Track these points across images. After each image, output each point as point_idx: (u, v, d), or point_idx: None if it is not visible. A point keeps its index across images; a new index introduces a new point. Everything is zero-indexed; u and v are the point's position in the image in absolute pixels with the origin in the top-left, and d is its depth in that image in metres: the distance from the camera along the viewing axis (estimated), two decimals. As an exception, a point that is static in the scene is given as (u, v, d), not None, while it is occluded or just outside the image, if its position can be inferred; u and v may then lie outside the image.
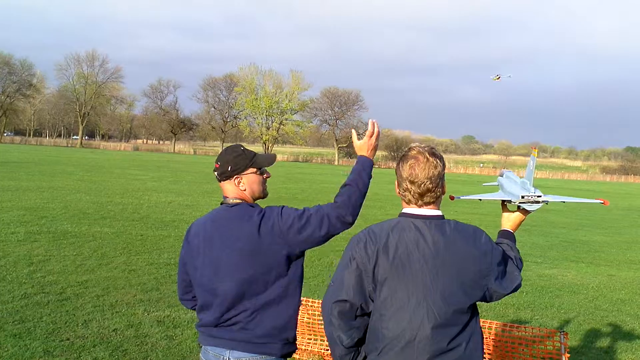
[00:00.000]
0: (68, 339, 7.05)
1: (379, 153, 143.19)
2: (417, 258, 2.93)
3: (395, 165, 3.20)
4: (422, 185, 3.02)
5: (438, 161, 3.06)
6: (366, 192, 3.57)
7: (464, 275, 2.95)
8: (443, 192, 3.13)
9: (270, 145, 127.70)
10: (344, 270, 3.04)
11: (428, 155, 3.05)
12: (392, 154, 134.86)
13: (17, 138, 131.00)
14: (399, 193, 3.15)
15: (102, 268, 10.81)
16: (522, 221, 3.75)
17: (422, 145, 3.14)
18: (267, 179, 3.73)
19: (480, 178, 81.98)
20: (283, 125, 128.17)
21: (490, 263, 3.03)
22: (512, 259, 3.29)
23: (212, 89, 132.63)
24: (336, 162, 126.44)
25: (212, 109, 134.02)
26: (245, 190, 3.60)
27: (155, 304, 8.78)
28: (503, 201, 3.89)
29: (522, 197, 3.74)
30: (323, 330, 6.87)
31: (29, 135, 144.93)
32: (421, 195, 3.04)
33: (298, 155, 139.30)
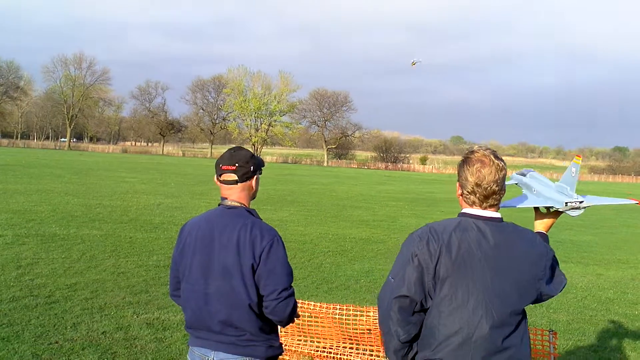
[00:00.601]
0: (57, 342, 7.01)
1: (367, 154, 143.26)
2: (478, 258, 3.00)
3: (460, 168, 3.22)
4: (489, 187, 3.10)
5: (503, 164, 3.15)
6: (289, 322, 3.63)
7: (521, 277, 3.05)
8: (503, 194, 3.20)
9: (259, 146, 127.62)
10: (405, 266, 3.07)
11: (493, 158, 3.13)
12: (381, 154, 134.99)
13: (5, 141, 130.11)
14: (461, 195, 3.22)
15: (91, 271, 10.76)
16: (554, 221, 3.82)
17: (484, 148, 3.21)
18: None
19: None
20: (272, 126, 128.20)
21: (544, 266, 3.14)
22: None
23: (200, 90, 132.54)
24: (325, 164, 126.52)
25: (201, 110, 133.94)
26: (256, 189, 3.71)
27: (144, 306, 8.75)
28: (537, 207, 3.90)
29: (566, 203, 3.77)
30: (312, 331, 6.88)
31: (17, 137, 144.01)
32: (486, 198, 3.12)
33: (287, 156, 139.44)
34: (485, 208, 3.13)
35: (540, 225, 3.79)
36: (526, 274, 3.06)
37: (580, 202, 3.79)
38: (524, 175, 4.39)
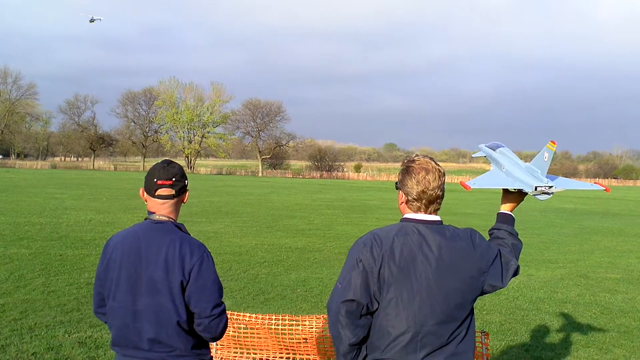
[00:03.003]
0: (-16, 366, 6.79)
1: (302, 163, 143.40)
2: (420, 260, 3.15)
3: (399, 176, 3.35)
4: (434, 193, 3.26)
5: (443, 170, 3.33)
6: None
7: (464, 273, 3.20)
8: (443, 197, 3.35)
9: (192, 158, 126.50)
10: (351, 271, 3.18)
11: (435, 165, 3.31)
12: (316, 163, 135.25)
13: None
14: (406, 202, 3.33)
15: (20, 290, 10.47)
16: (521, 201, 3.89)
17: (423, 156, 3.38)
18: None
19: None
20: (205, 138, 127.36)
21: (487, 260, 3.28)
22: (508, 247, 3.55)
23: (131, 103, 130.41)
24: (260, 174, 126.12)
25: (132, 123, 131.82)
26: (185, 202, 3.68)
27: (76, 325, 8.55)
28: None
29: (536, 187, 3.78)
30: (248, 343, 6.85)
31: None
32: (431, 203, 3.28)
33: (222, 168, 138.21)
34: (430, 212, 3.28)
35: (505, 206, 3.86)
36: (469, 269, 3.21)
37: (550, 187, 3.80)
38: (493, 149, 4.37)
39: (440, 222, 3.28)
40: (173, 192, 3.55)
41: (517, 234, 3.68)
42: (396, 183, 3.42)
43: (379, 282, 3.14)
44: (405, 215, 3.32)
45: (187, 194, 3.67)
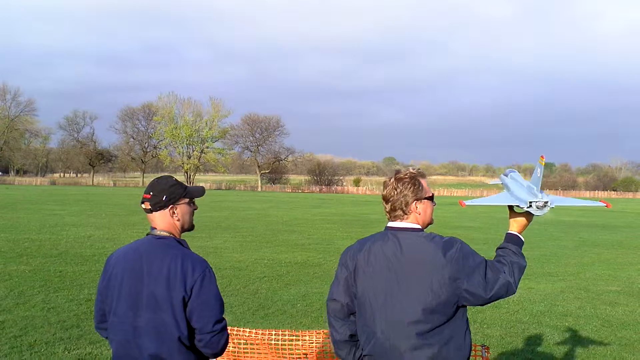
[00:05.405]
0: (-16, 384, 6.77)
1: (301, 178, 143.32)
2: (385, 263, 3.38)
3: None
4: (389, 204, 3.50)
5: (398, 184, 3.48)
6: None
7: (431, 278, 3.30)
8: (415, 211, 3.47)
9: (192, 174, 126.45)
10: (337, 274, 3.60)
11: (394, 181, 3.51)
12: (315, 178, 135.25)
13: None
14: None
15: (20, 307, 10.45)
16: (529, 222, 3.85)
17: (397, 171, 3.59)
18: (195, 211, 3.73)
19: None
20: (204, 153, 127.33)
21: (463, 267, 3.30)
22: (507, 264, 3.50)
23: (130, 119, 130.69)
24: (259, 189, 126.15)
25: (131, 139, 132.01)
26: (178, 220, 3.60)
27: (76, 341, 8.54)
28: (510, 205, 3.94)
29: (530, 203, 3.79)
30: (248, 359, 6.83)
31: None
32: (391, 211, 3.51)
33: (221, 183, 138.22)
34: (393, 219, 3.50)
35: (513, 225, 3.81)
36: (437, 275, 3.28)
37: (545, 203, 3.81)
38: (506, 175, 4.47)
39: (418, 230, 3.46)
40: (150, 206, 3.56)
41: (523, 256, 3.63)
42: None
43: (355, 284, 3.46)
44: (387, 224, 3.55)
45: (168, 210, 3.57)
